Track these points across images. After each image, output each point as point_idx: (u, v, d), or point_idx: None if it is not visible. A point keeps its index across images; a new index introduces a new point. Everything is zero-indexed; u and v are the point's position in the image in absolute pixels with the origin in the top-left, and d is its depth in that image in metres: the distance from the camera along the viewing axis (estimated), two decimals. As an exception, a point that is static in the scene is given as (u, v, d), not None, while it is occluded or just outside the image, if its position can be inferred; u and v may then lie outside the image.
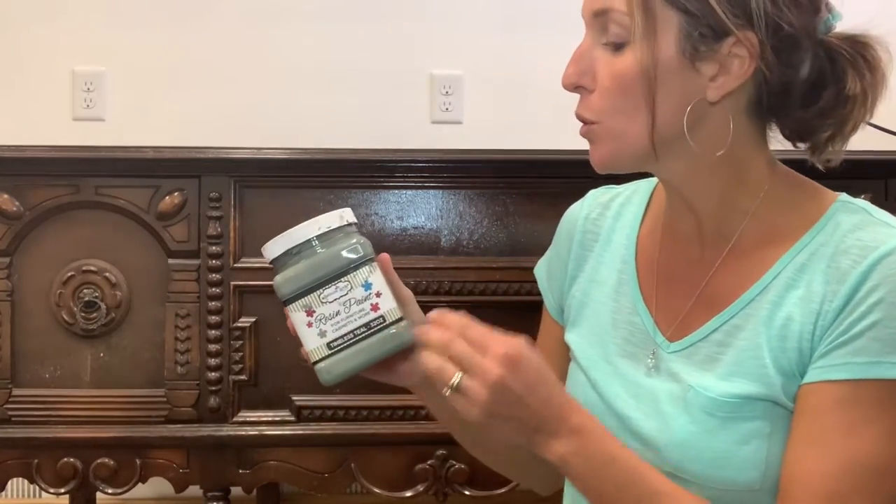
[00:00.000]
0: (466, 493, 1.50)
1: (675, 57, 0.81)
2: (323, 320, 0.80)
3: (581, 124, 0.87)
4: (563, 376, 0.98)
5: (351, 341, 0.80)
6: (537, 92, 2.14)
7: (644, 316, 0.93)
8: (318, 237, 0.83)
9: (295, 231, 0.84)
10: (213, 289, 1.47)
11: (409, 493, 1.49)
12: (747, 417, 0.83)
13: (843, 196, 0.88)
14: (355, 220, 0.85)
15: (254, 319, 1.48)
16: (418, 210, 1.50)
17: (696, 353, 0.87)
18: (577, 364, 0.97)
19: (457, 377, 0.80)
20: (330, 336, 0.80)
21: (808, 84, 0.85)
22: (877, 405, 0.78)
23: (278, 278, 0.82)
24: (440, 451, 1.49)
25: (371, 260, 0.83)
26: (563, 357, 1.00)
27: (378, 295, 0.81)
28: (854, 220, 0.84)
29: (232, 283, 1.47)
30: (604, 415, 0.89)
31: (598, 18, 0.83)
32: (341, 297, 0.81)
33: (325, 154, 1.52)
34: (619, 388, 0.91)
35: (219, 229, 1.47)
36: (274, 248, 0.84)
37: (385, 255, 0.87)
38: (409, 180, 1.51)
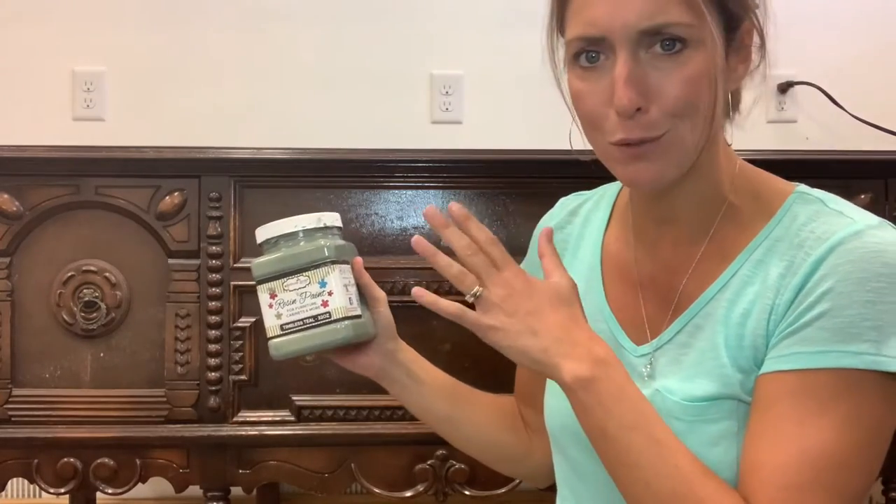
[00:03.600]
0: (466, 493, 1.50)
1: (722, 55, 0.80)
2: (281, 305, 0.92)
3: (628, 146, 0.82)
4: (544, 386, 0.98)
5: (300, 328, 0.93)
6: (537, 92, 2.14)
7: (610, 322, 0.92)
8: (293, 234, 0.92)
9: (279, 223, 0.93)
10: (213, 289, 1.47)
11: (409, 493, 1.49)
12: (713, 419, 0.82)
13: (801, 187, 0.87)
14: (338, 225, 0.95)
15: (254, 319, 1.48)
16: (418, 210, 1.50)
17: (663, 355, 0.87)
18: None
19: (476, 289, 0.85)
20: (284, 319, 0.93)
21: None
22: (828, 395, 0.76)
23: (254, 261, 0.93)
24: (440, 451, 1.49)
25: (334, 262, 0.92)
26: None
27: (330, 294, 0.92)
28: (809, 211, 0.83)
29: (232, 283, 1.48)
30: (573, 421, 0.85)
31: (649, 36, 0.78)
32: (299, 288, 0.92)
33: (326, 154, 1.52)
34: None
35: (219, 229, 1.47)
36: (260, 233, 0.93)
37: (358, 259, 0.94)
38: (409, 180, 1.51)
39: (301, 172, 1.49)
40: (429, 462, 1.49)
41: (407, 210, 1.50)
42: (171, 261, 1.48)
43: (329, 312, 0.92)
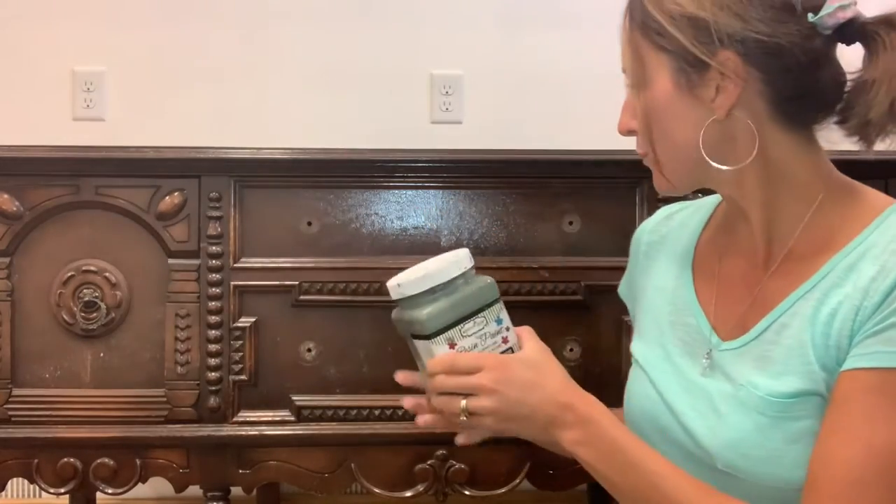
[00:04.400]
0: (466, 493, 1.50)
1: (672, 90, 0.91)
2: (462, 351, 0.91)
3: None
4: None
5: None
6: (537, 92, 2.14)
7: (699, 317, 0.98)
8: (454, 279, 0.91)
9: (425, 271, 0.90)
10: (213, 289, 1.47)
11: (409, 493, 1.49)
12: (798, 416, 0.85)
13: None
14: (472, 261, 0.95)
15: (254, 319, 1.48)
16: (418, 210, 1.50)
17: (749, 352, 0.91)
18: (637, 364, 1.03)
19: (463, 404, 0.92)
20: None
21: (827, 80, 0.88)
22: None
23: (423, 315, 0.89)
24: (440, 451, 1.49)
25: (499, 298, 0.94)
26: None
27: (507, 329, 0.94)
28: None
29: (232, 283, 1.47)
30: (661, 410, 0.97)
31: (624, 73, 0.97)
32: (479, 330, 0.91)
33: (326, 154, 1.52)
34: (676, 385, 0.97)
35: (219, 229, 1.47)
36: (410, 286, 0.90)
37: None
38: (409, 180, 1.51)
39: (301, 172, 1.49)
40: (429, 462, 1.49)
41: (407, 210, 1.50)
42: (171, 261, 1.48)
43: (511, 348, 0.94)
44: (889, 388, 0.80)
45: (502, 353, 0.93)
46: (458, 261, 0.92)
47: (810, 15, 0.85)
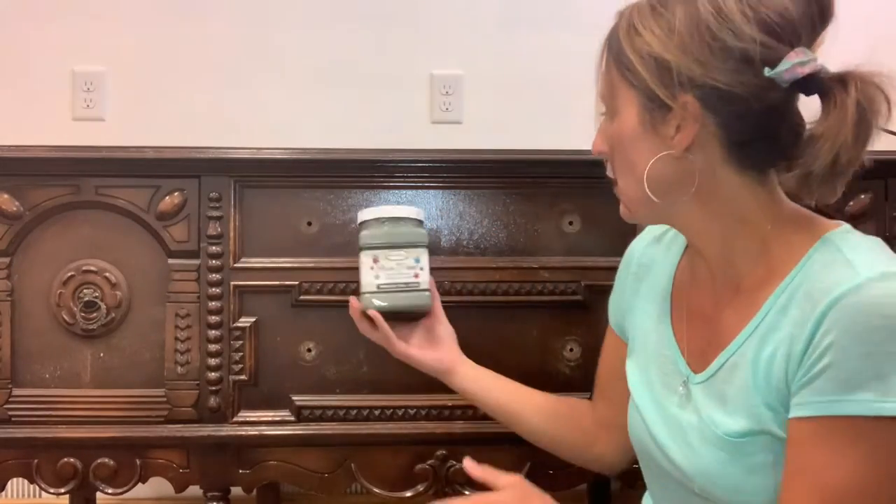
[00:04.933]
0: (466, 493, 1.50)
1: (637, 125, 0.94)
2: (381, 268, 1.20)
3: None
4: (620, 377, 1.12)
5: (393, 290, 1.20)
6: (537, 92, 2.14)
7: (674, 350, 1.03)
8: (403, 219, 1.22)
9: (388, 208, 1.23)
10: (213, 289, 1.47)
11: (409, 493, 1.49)
12: (750, 452, 0.90)
13: (834, 232, 0.92)
14: (423, 219, 1.26)
15: (254, 319, 1.48)
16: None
17: (709, 388, 0.96)
18: (631, 391, 1.08)
19: None
20: (381, 280, 1.20)
21: (784, 129, 0.91)
22: (846, 439, 0.84)
23: (365, 231, 1.22)
24: (440, 451, 1.49)
25: (425, 247, 1.23)
26: (621, 361, 1.13)
27: (422, 269, 1.22)
28: (825, 259, 0.89)
29: (232, 283, 1.47)
30: (647, 439, 1.03)
31: (600, 100, 1.00)
32: (399, 259, 1.20)
33: (325, 154, 1.51)
34: (656, 414, 1.02)
35: (219, 229, 1.47)
36: (370, 212, 1.22)
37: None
38: (409, 180, 1.51)
39: (301, 172, 1.49)
40: (429, 462, 1.49)
41: (407, 210, 1.50)
42: (171, 261, 1.48)
43: (418, 282, 1.21)
44: (830, 434, 0.84)
45: (409, 282, 1.20)
46: (408, 210, 1.23)
47: (767, 69, 0.88)
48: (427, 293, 1.22)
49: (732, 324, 0.95)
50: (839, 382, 0.83)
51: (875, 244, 0.91)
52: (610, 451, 1.20)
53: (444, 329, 1.25)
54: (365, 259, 1.20)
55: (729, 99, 0.89)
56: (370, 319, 1.19)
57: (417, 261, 1.21)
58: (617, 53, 0.95)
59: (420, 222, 1.24)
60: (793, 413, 0.87)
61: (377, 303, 1.19)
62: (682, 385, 1.00)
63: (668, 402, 1.01)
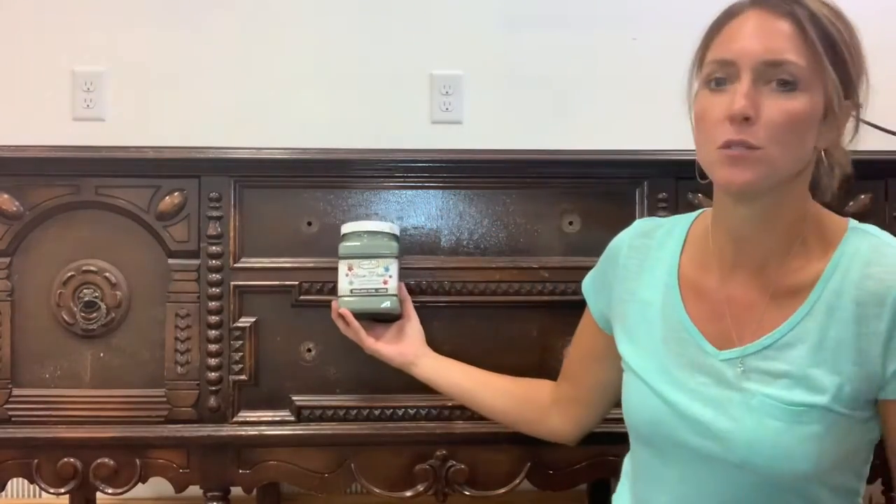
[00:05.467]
0: (466, 493, 1.50)
1: (821, 109, 1.00)
2: (355, 275, 1.38)
3: (730, 148, 1.00)
4: (593, 360, 1.26)
5: (364, 294, 1.38)
6: (537, 92, 2.14)
7: (692, 332, 1.09)
8: (377, 233, 1.39)
9: (365, 223, 1.41)
10: (213, 289, 1.47)
11: (409, 493, 1.49)
12: (805, 422, 0.99)
13: (852, 222, 1.06)
14: (397, 233, 1.42)
15: (254, 319, 1.48)
16: (418, 210, 1.50)
17: (754, 363, 1.04)
18: (633, 372, 1.14)
19: None
20: (354, 285, 1.38)
21: None
22: None
23: (344, 243, 1.39)
24: (440, 451, 1.49)
25: (396, 258, 1.39)
26: (598, 352, 1.25)
27: (390, 277, 1.38)
28: (866, 245, 1.02)
29: (232, 283, 1.47)
30: (667, 415, 1.07)
31: (771, 67, 0.99)
32: (370, 268, 1.37)
33: (325, 154, 1.51)
34: (682, 395, 1.07)
35: (219, 229, 1.47)
36: (351, 226, 1.40)
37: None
38: (409, 180, 1.50)
39: (301, 172, 1.49)
40: (429, 462, 1.49)
41: (407, 210, 1.50)
42: (171, 261, 1.48)
43: (386, 289, 1.37)
44: None
45: (378, 288, 1.37)
46: (384, 224, 1.40)
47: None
48: (394, 298, 1.38)
49: (777, 309, 1.04)
50: None
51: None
52: (564, 424, 1.32)
53: (412, 327, 1.42)
54: (342, 267, 1.38)
55: (856, 112, 1.05)
56: (345, 319, 1.38)
57: (387, 269, 1.37)
58: (829, 37, 0.99)
59: (394, 236, 1.40)
60: (890, 396, 0.99)
61: (350, 305, 1.37)
62: (713, 363, 1.06)
63: (691, 380, 1.07)
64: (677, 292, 1.12)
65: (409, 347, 1.40)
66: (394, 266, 1.38)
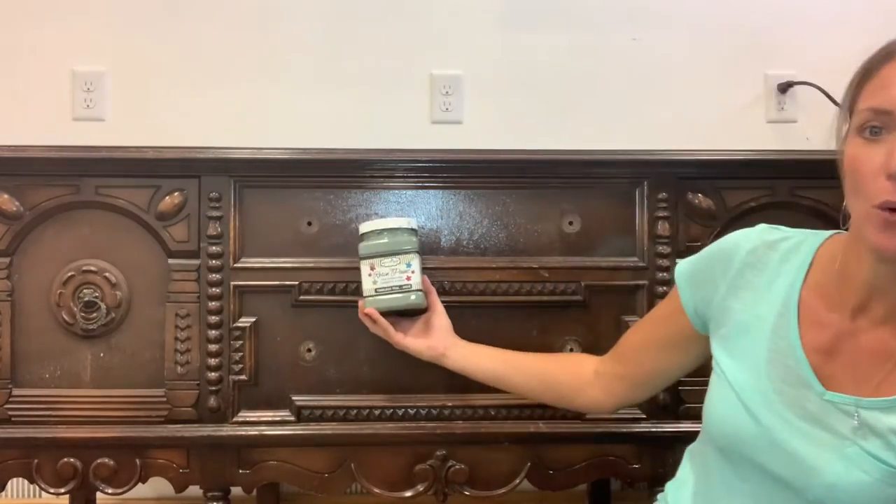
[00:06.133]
0: (466, 493, 1.50)
1: None
2: (378, 274, 1.38)
3: (888, 210, 0.93)
4: (661, 348, 1.22)
5: (388, 292, 1.38)
6: (537, 92, 2.14)
7: (802, 363, 1.04)
8: (396, 229, 1.39)
9: (384, 220, 1.40)
10: (213, 289, 1.47)
11: (409, 493, 1.49)
12: (892, 485, 0.96)
13: None
14: (416, 227, 1.43)
15: (254, 319, 1.48)
16: (418, 210, 1.50)
17: (872, 417, 0.99)
18: (725, 380, 1.09)
19: None
20: (378, 284, 1.38)
21: None
22: None
23: (363, 243, 1.39)
24: (440, 451, 1.49)
25: (417, 253, 1.40)
26: (672, 342, 1.20)
27: (413, 272, 1.38)
28: None
29: (232, 283, 1.48)
30: (755, 437, 1.04)
31: None
32: (393, 265, 1.38)
33: (325, 154, 1.51)
34: (778, 422, 1.03)
35: (219, 229, 1.47)
36: (370, 225, 1.40)
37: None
38: (409, 180, 1.51)
39: (301, 172, 1.49)
40: (429, 462, 1.49)
41: (407, 210, 1.50)
42: (171, 261, 1.48)
43: (410, 284, 1.38)
44: None
45: (402, 284, 1.37)
46: (402, 220, 1.40)
47: None
48: (419, 293, 1.38)
49: None
50: None
51: None
52: (604, 399, 1.30)
53: (439, 320, 1.41)
54: (364, 267, 1.38)
55: None
56: (372, 318, 1.38)
57: (409, 265, 1.38)
58: None
59: (413, 231, 1.40)
60: None
61: (375, 304, 1.38)
62: (813, 399, 1.02)
63: (787, 409, 1.03)
64: (795, 316, 1.06)
65: (438, 340, 1.39)
66: (416, 261, 1.38)
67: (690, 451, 1.20)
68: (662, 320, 1.23)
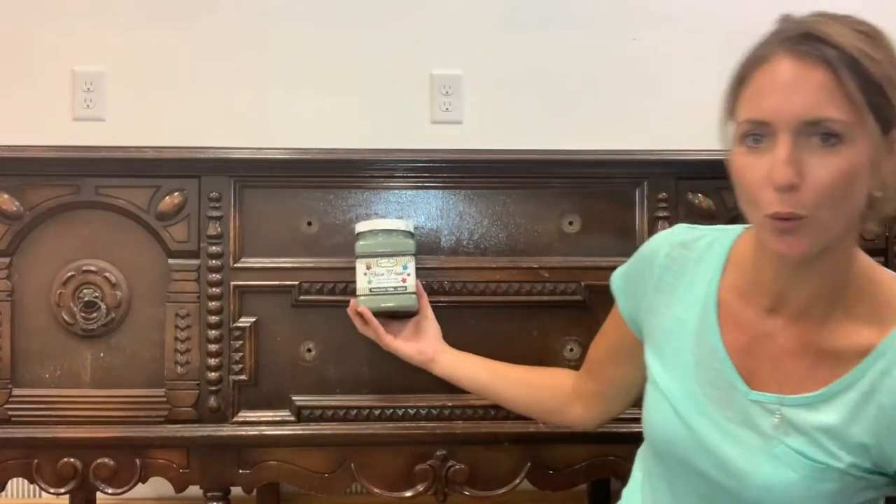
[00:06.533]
0: (466, 493, 1.50)
1: (869, 157, 0.92)
2: (373, 274, 1.38)
3: (782, 220, 0.93)
4: (617, 360, 1.21)
5: (382, 293, 1.38)
6: (537, 92, 2.14)
7: (725, 364, 1.04)
8: (393, 231, 1.39)
9: (381, 221, 1.41)
10: (213, 289, 1.47)
11: (409, 493, 1.49)
12: (822, 479, 0.97)
13: None
14: (412, 230, 1.42)
15: (254, 319, 1.48)
16: (418, 210, 1.50)
17: (794, 414, 0.99)
18: (657, 388, 1.11)
19: None
20: (373, 284, 1.38)
21: None
22: None
23: (360, 242, 1.39)
24: (440, 451, 1.49)
25: (413, 256, 1.39)
26: (623, 351, 1.20)
27: (408, 275, 1.38)
28: None
29: (232, 283, 1.48)
30: (687, 442, 1.04)
31: (811, 126, 0.90)
32: (389, 266, 1.38)
33: (325, 154, 1.52)
34: (707, 424, 1.03)
35: (219, 229, 1.47)
36: (366, 224, 1.40)
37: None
38: (409, 180, 1.51)
39: (301, 172, 1.49)
40: (429, 462, 1.49)
41: (407, 210, 1.50)
42: (171, 261, 1.48)
43: (405, 287, 1.38)
44: None
45: (397, 286, 1.37)
46: (400, 222, 1.40)
47: None
48: (413, 295, 1.38)
49: (820, 368, 0.99)
50: None
51: None
52: (586, 416, 1.30)
53: (429, 324, 1.40)
54: (359, 266, 1.38)
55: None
56: (363, 317, 1.37)
57: (405, 268, 1.38)
58: (868, 79, 0.90)
59: (409, 233, 1.40)
60: None
61: (368, 304, 1.37)
62: (740, 400, 1.02)
63: (718, 413, 1.03)
64: (715, 317, 1.07)
65: (427, 345, 1.38)
66: (411, 264, 1.38)
67: (639, 455, 1.20)
68: (611, 332, 1.24)
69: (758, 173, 0.93)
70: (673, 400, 1.07)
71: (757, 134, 0.93)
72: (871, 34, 0.94)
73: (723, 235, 1.11)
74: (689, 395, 1.06)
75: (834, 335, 0.99)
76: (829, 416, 0.97)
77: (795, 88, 0.90)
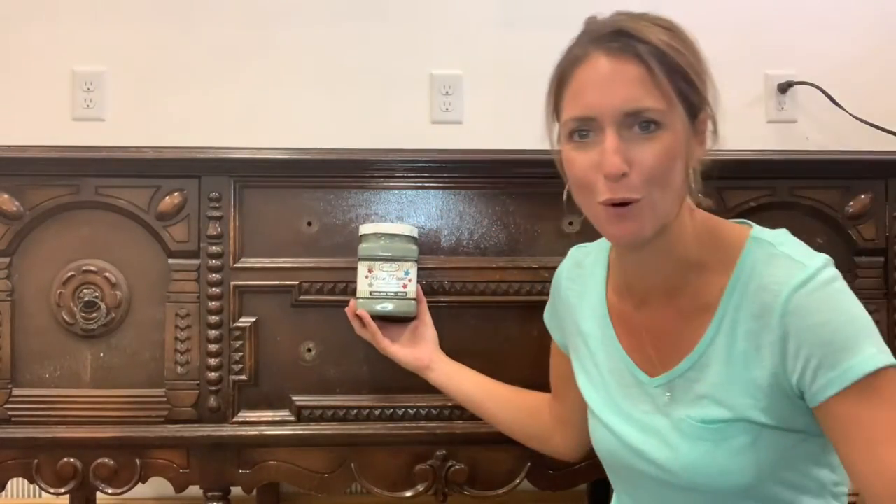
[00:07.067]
0: (466, 493, 1.50)
1: (683, 138, 0.99)
2: (375, 277, 1.38)
3: (614, 206, 0.99)
4: (570, 385, 1.21)
5: (382, 296, 1.38)
6: (537, 92, 2.14)
7: (626, 362, 1.10)
8: (397, 235, 1.39)
9: (386, 225, 1.41)
10: (213, 289, 1.47)
11: (409, 493, 1.49)
12: (732, 435, 0.99)
13: (754, 230, 1.04)
14: (417, 235, 1.43)
15: (254, 319, 1.48)
16: (418, 210, 1.50)
17: (678, 388, 1.04)
18: (592, 412, 1.17)
19: None
20: (374, 287, 1.38)
21: None
22: (874, 395, 0.92)
23: (364, 244, 1.39)
24: (440, 451, 1.49)
25: (416, 262, 1.40)
26: (568, 371, 1.22)
27: (410, 281, 1.39)
28: (764, 254, 1.00)
29: (232, 283, 1.48)
30: (619, 447, 1.09)
31: (631, 117, 0.97)
32: (392, 270, 1.38)
33: (325, 154, 1.52)
34: (627, 426, 1.08)
35: (219, 229, 1.47)
36: (370, 227, 1.40)
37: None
38: (409, 180, 1.51)
39: (301, 172, 1.49)
40: (429, 462, 1.49)
41: (407, 210, 1.50)
42: (171, 261, 1.48)
43: (406, 293, 1.38)
44: (866, 396, 0.92)
45: (398, 291, 1.37)
46: (405, 227, 1.41)
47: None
48: (413, 301, 1.39)
49: (689, 332, 1.03)
50: (840, 352, 0.92)
51: (789, 235, 1.03)
52: (565, 444, 1.32)
53: (427, 331, 1.41)
54: (361, 268, 1.38)
55: (713, 117, 1.03)
56: (362, 320, 1.38)
57: (407, 273, 1.38)
58: (675, 68, 0.97)
59: (413, 239, 1.41)
60: (820, 398, 0.94)
61: (368, 307, 1.37)
62: (649, 391, 1.07)
63: (635, 410, 1.08)
64: (609, 322, 1.13)
65: (424, 352, 1.39)
66: (413, 269, 1.39)
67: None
68: (554, 361, 1.32)
69: (587, 165, 0.99)
70: (598, 412, 1.12)
71: (583, 129, 0.99)
72: (671, 28, 1.00)
73: (604, 247, 1.19)
74: (609, 402, 1.11)
75: (697, 294, 1.03)
76: (711, 370, 1.01)
77: (614, 83, 0.97)
